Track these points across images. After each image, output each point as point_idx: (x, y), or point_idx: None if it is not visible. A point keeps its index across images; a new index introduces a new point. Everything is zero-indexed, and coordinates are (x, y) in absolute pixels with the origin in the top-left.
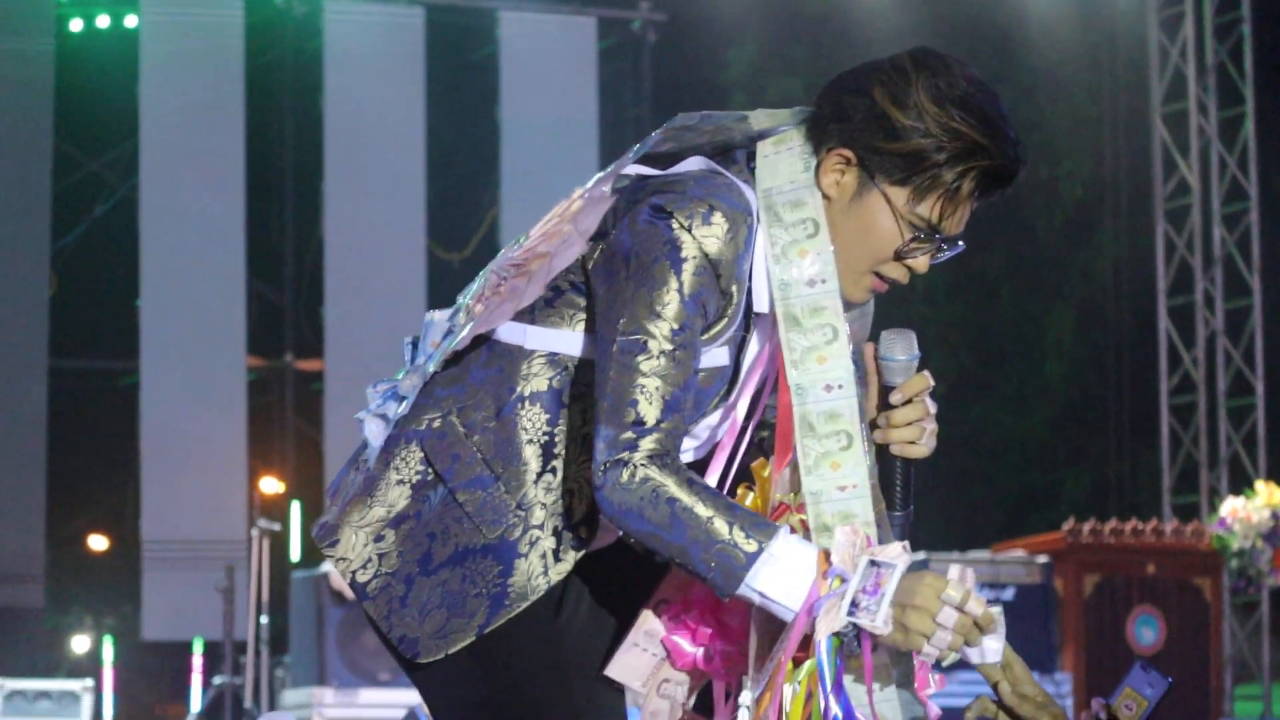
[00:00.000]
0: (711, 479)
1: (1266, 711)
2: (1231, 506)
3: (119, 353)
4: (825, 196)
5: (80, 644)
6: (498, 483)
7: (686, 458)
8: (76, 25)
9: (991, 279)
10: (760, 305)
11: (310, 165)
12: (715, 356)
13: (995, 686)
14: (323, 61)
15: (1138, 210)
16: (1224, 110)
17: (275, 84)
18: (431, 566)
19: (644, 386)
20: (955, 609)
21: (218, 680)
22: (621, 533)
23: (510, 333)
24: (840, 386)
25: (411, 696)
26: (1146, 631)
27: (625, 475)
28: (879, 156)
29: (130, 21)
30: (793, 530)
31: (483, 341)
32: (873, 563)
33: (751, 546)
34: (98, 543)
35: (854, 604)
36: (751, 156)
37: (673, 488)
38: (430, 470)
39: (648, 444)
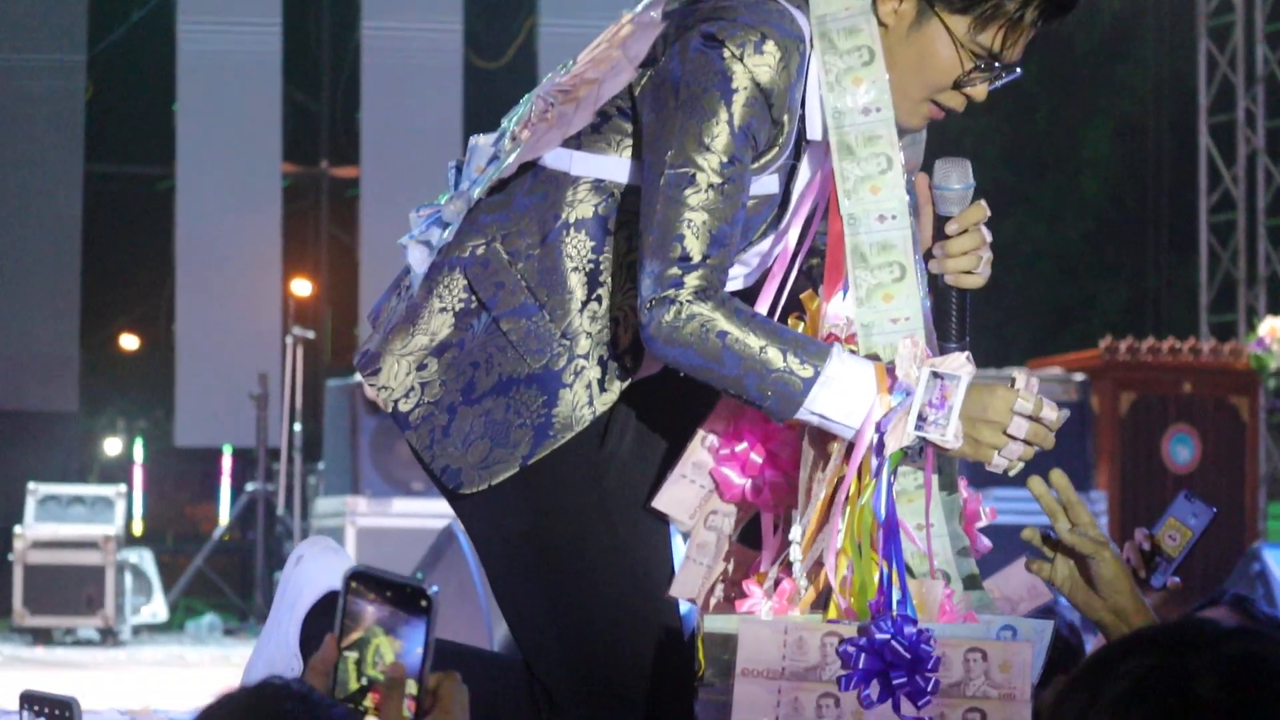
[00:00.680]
0: (762, 308)
1: None
2: (1270, 326)
3: (155, 158)
4: (881, 24)
5: (112, 447)
6: (542, 311)
7: (736, 285)
8: None
9: (1028, 92)
10: (813, 133)
11: None
12: (765, 184)
13: (1054, 522)
14: None
15: (1180, 25)
16: None
17: None
18: (475, 396)
19: (690, 221)
20: (1027, 419)
21: (250, 487)
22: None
23: (556, 159)
24: (894, 217)
25: (447, 509)
26: (1182, 450)
27: (672, 314)
28: None
29: None
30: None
31: (528, 168)
32: (935, 374)
33: (807, 371)
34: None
35: (921, 418)
36: None
37: (722, 321)
38: (474, 298)
39: (693, 280)
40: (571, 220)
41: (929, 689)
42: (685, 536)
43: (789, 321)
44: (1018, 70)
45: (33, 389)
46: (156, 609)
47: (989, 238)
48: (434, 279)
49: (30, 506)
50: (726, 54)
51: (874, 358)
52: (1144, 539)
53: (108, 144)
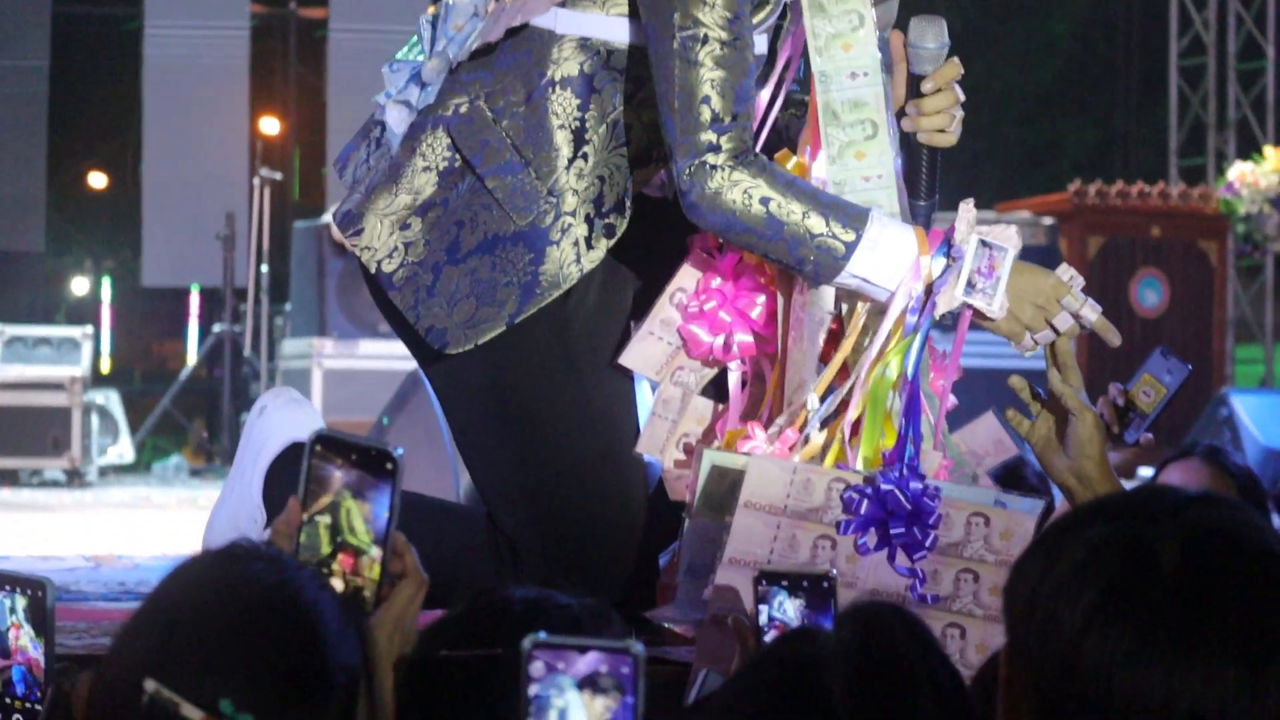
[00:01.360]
0: None
1: (1268, 374)
2: (1240, 171)
3: None
4: None
5: (80, 287)
6: (528, 169)
7: None
8: None
9: None
10: None
11: None
12: (756, 43)
13: (1049, 371)
14: None
15: None
16: None
17: None
18: (460, 255)
19: (713, 80)
20: (1071, 313)
21: (217, 328)
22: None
23: (542, 16)
24: (865, 74)
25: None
26: (1150, 294)
27: (715, 181)
28: None
29: None
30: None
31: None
32: (984, 243)
33: (850, 236)
34: (98, 181)
35: (969, 284)
36: None
37: (765, 187)
38: (458, 156)
39: (728, 143)
40: (557, 78)
41: (926, 543)
42: (653, 388)
43: None
44: None
45: None
46: (123, 450)
47: (962, 97)
48: (416, 137)
49: None
50: None
51: None
52: (1118, 394)
53: None
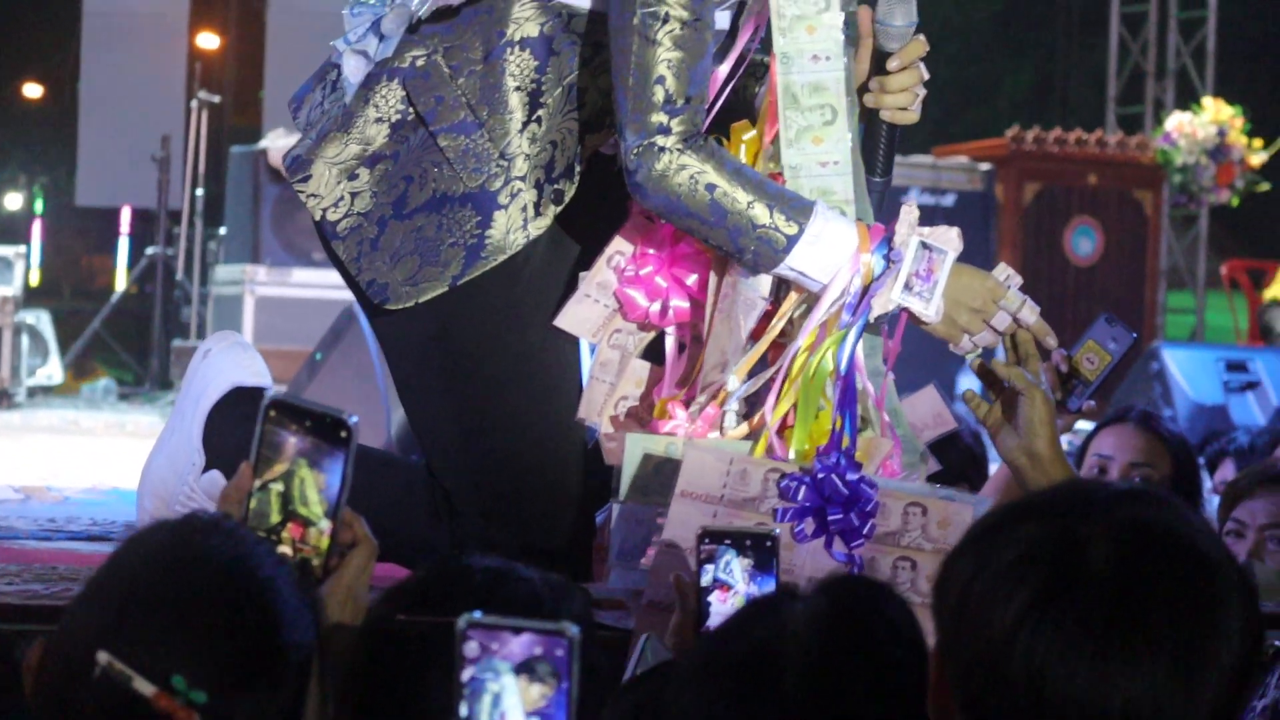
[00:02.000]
0: None
1: (1199, 325)
2: (1178, 121)
3: None
4: None
5: (13, 202)
6: (482, 129)
7: None
8: None
9: None
10: None
11: None
12: (719, 19)
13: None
14: None
15: None
16: None
17: None
18: (406, 210)
19: (669, 60)
20: (1009, 314)
21: (150, 250)
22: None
23: None
24: (828, 58)
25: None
26: (1084, 242)
27: (663, 163)
28: None
29: None
30: None
31: None
32: (924, 245)
33: (792, 229)
34: (33, 91)
35: (907, 286)
36: None
37: (711, 173)
38: (411, 110)
39: (679, 125)
40: (516, 38)
41: (864, 530)
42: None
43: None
44: None
45: None
46: (52, 371)
47: (926, 75)
48: (371, 88)
49: None
50: None
51: None
52: (1061, 360)
53: None
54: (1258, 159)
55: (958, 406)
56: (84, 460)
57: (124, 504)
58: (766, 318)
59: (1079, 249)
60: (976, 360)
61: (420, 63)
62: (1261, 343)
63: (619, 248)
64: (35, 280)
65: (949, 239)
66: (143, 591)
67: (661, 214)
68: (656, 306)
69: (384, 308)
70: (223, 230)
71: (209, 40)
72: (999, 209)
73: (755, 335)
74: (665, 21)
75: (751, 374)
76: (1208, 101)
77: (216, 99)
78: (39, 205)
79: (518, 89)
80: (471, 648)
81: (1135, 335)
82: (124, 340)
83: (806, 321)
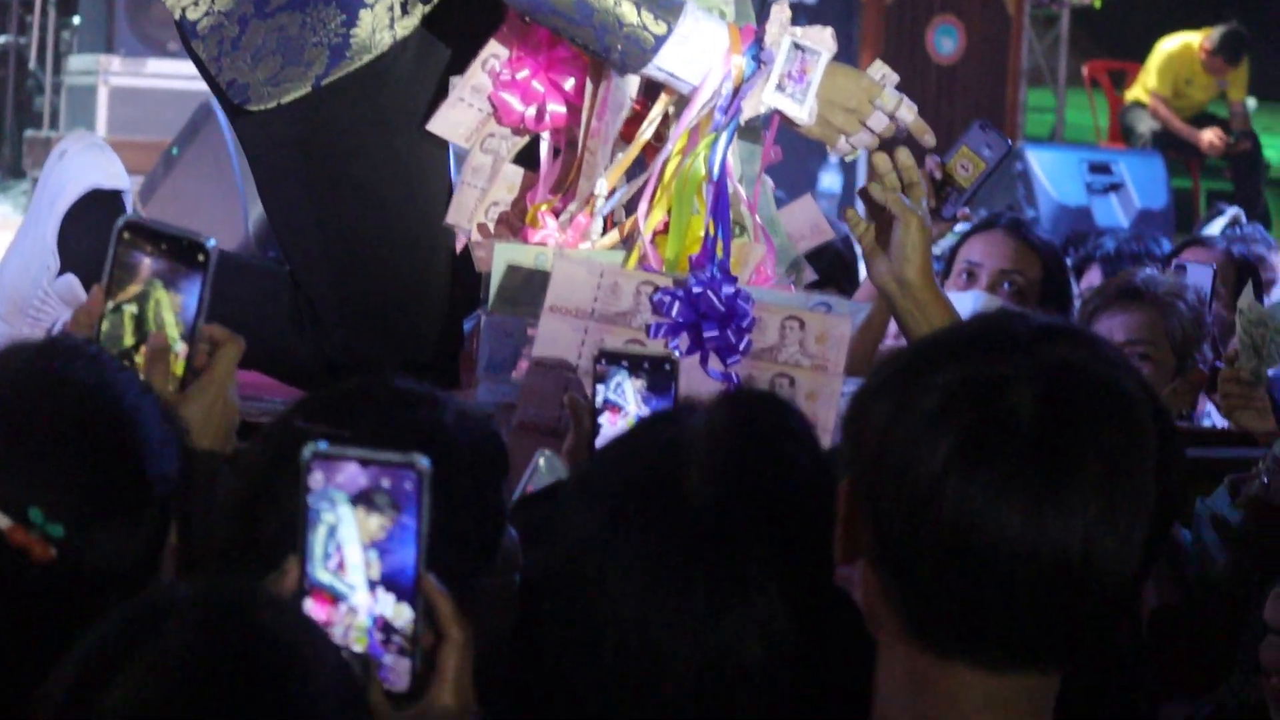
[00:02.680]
0: None
1: (1058, 124)
2: None
3: None
4: None
5: None
6: None
7: None
8: None
9: None
10: None
11: None
12: None
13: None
14: None
15: None
16: None
17: None
18: (269, 9)
19: None
20: (885, 114)
21: (1, 39)
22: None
23: None
24: None
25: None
26: (946, 41)
27: None
28: None
29: None
30: None
31: None
32: (797, 45)
33: (660, 28)
34: None
35: (779, 87)
36: None
37: None
38: None
39: None
40: None
41: (740, 346)
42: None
43: None
44: None
45: None
46: None
47: None
48: None
49: None
50: None
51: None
52: (935, 167)
53: None
54: None
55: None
56: None
57: None
58: (634, 121)
59: (941, 48)
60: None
61: None
62: (1122, 144)
63: (494, 50)
64: None
65: (823, 39)
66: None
67: (527, 12)
68: (532, 111)
69: (245, 109)
70: (76, 19)
71: None
72: (861, 7)
73: (623, 138)
74: None
75: (623, 184)
76: None
77: None
78: None
79: None
80: (315, 478)
81: (1010, 143)
82: None
83: (677, 125)
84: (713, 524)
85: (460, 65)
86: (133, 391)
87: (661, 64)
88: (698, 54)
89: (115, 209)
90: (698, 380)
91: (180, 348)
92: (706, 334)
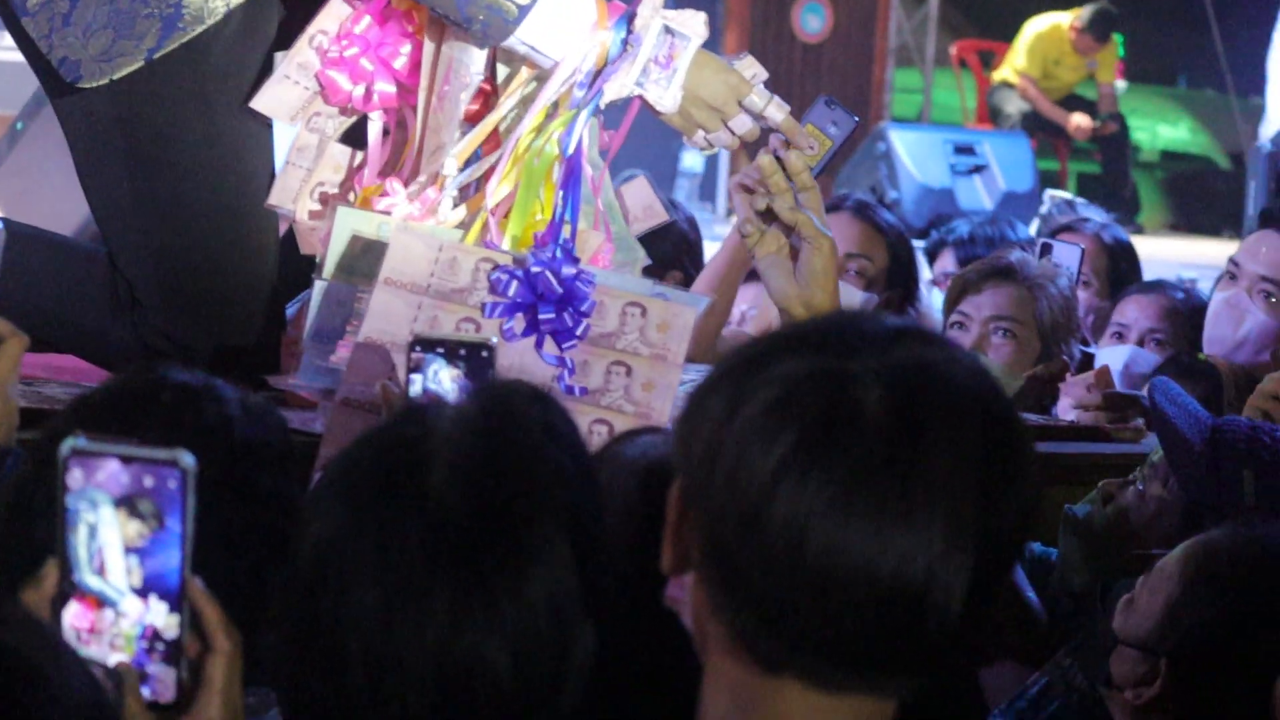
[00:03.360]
0: None
1: (926, 104)
2: None
3: None
4: None
5: None
6: None
7: None
8: None
9: None
10: None
11: None
12: None
13: (778, 197)
14: None
15: None
16: None
17: None
18: None
19: None
20: (754, 114)
21: None
22: None
23: None
24: None
25: None
26: (812, 19)
27: None
28: None
29: None
30: None
31: None
32: (668, 29)
33: None
34: None
35: (644, 71)
36: None
37: None
38: None
39: None
40: None
41: (577, 331)
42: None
43: None
44: None
45: None
46: None
47: None
48: None
49: None
50: None
51: None
52: (779, 145)
53: None
54: None
55: (678, 192)
56: None
57: None
58: (483, 98)
59: (807, 26)
60: (764, 203)
61: None
62: (990, 125)
63: (322, 26)
64: None
65: (695, 25)
66: None
67: None
68: (360, 90)
69: (70, 87)
70: None
71: None
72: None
73: (473, 117)
74: None
75: (473, 159)
76: None
77: None
78: None
79: None
80: (74, 477)
81: (856, 119)
82: None
83: (535, 101)
84: (457, 527)
85: (286, 41)
86: None
87: (524, 36)
88: (562, 27)
89: None
90: (531, 364)
91: None
92: (543, 316)
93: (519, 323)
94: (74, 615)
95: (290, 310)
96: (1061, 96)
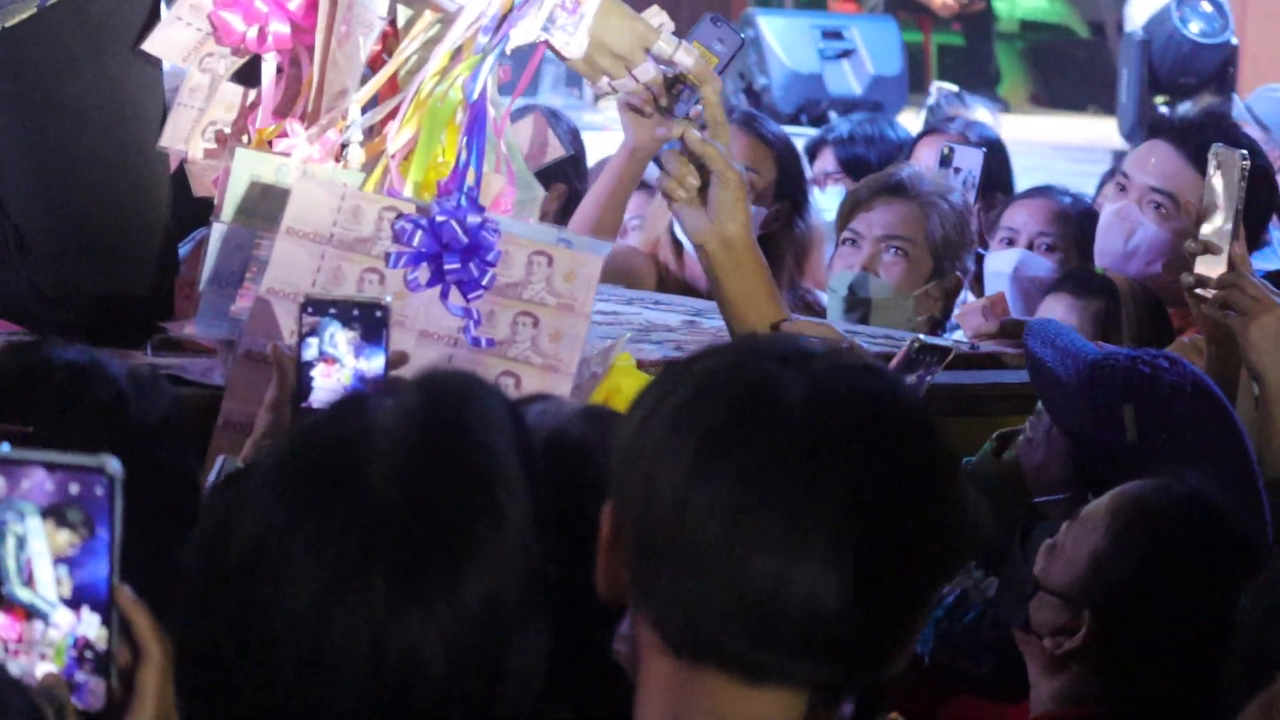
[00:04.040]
0: None
1: None
2: None
3: None
4: None
5: None
6: None
7: None
8: None
9: None
10: None
11: None
12: None
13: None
14: None
15: None
16: None
17: None
18: None
19: None
20: (662, 61)
21: None
22: None
23: None
24: None
25: None
26: None
27: None
28: None
29: None
30: None
31: None
32: None
33: None
34: None
35: (550, 18)
36: None
37: None
38: None
39: None
40: None
41: (483, 281)
42: None
43: None
44: None
45: None
46: None
47: None
48: None
49: None
50: None
51: None
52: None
53: None
54: None
55: (543, 80)
56: None
57: None
58: (383, 41)
59: None
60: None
61: None
62: (855, 6)
63: None
64: None
65: None
66: None
67: None
68: (254, 31)
69: None
70: None
71: None
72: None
73: (374, 61)
74: None
75: (373, 104)
76: None
77: None
78: None
79: None
80: None
81: (743, 38)
82: None
83: (438, 45)
84: (394, 520)
85: None
86: None
87: None
88: None
89: None
90: (438, 315)
91: None
92: (448, 266)
93: (424, 273)
94: (1, 627)
95: (183, 250)
96: None
